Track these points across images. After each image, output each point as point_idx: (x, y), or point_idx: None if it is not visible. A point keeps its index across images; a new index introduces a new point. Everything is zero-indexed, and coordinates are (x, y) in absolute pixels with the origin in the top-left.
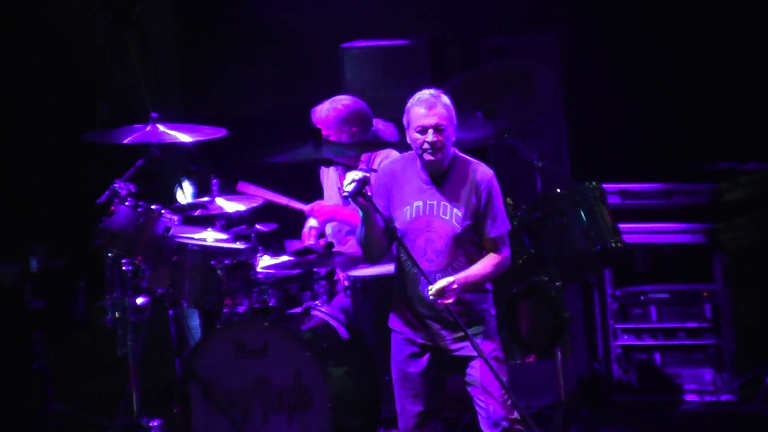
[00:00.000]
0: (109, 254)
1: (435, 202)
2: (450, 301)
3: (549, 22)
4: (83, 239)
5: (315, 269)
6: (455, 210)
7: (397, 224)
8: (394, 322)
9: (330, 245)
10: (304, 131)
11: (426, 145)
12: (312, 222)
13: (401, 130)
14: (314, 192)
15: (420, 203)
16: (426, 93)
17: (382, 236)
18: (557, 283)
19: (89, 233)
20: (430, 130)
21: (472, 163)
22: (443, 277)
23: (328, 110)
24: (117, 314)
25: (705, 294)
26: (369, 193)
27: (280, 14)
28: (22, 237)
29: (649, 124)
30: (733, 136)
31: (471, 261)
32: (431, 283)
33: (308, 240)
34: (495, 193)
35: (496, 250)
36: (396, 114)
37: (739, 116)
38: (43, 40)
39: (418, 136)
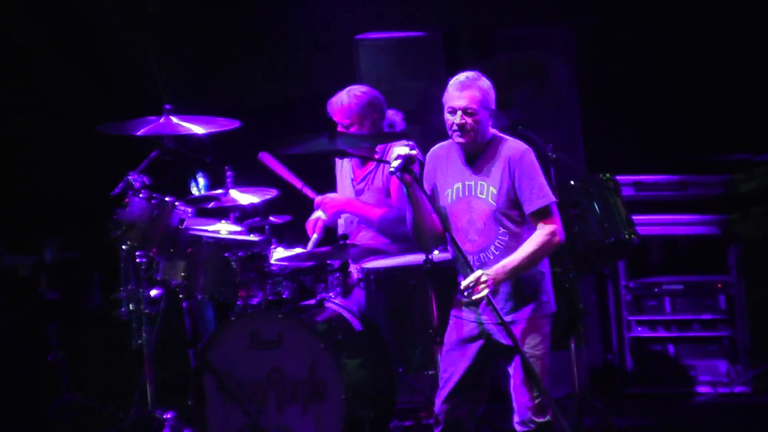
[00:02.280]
0: (124, 246)
1: (473, 183)
2: (483, 294)
3: (563, 13)
4: (98, 231)
5: (329, 261)
6: (491, 187)
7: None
8: (453, 307)
9: (344, 237)
10: (319, 122)
11: (455, 127)
12: (319, 213)
13: (415, 120)
14: (329, 183)
15: (459, 185)
16: (463, 75)
17: (432, 220)
18: (571, 275)
19: (104, 225)
20: (459, 112)
21: (506, 141)
22: (488, 257)
23: (349, 99)
24: (131, 306)
25: (719, 285)
26: (415, 171)
27: (295, 5)
28: (37, 229)
29: (664, 116)
30: (747, 127)
31: (514, 239)
32: (473, 271)
33: (312, 232)
34: (529, 166)
35: (539, 226)
36: (411, 105)
37: (754, 107)
38: (59, 33)
39: (448, 116)
